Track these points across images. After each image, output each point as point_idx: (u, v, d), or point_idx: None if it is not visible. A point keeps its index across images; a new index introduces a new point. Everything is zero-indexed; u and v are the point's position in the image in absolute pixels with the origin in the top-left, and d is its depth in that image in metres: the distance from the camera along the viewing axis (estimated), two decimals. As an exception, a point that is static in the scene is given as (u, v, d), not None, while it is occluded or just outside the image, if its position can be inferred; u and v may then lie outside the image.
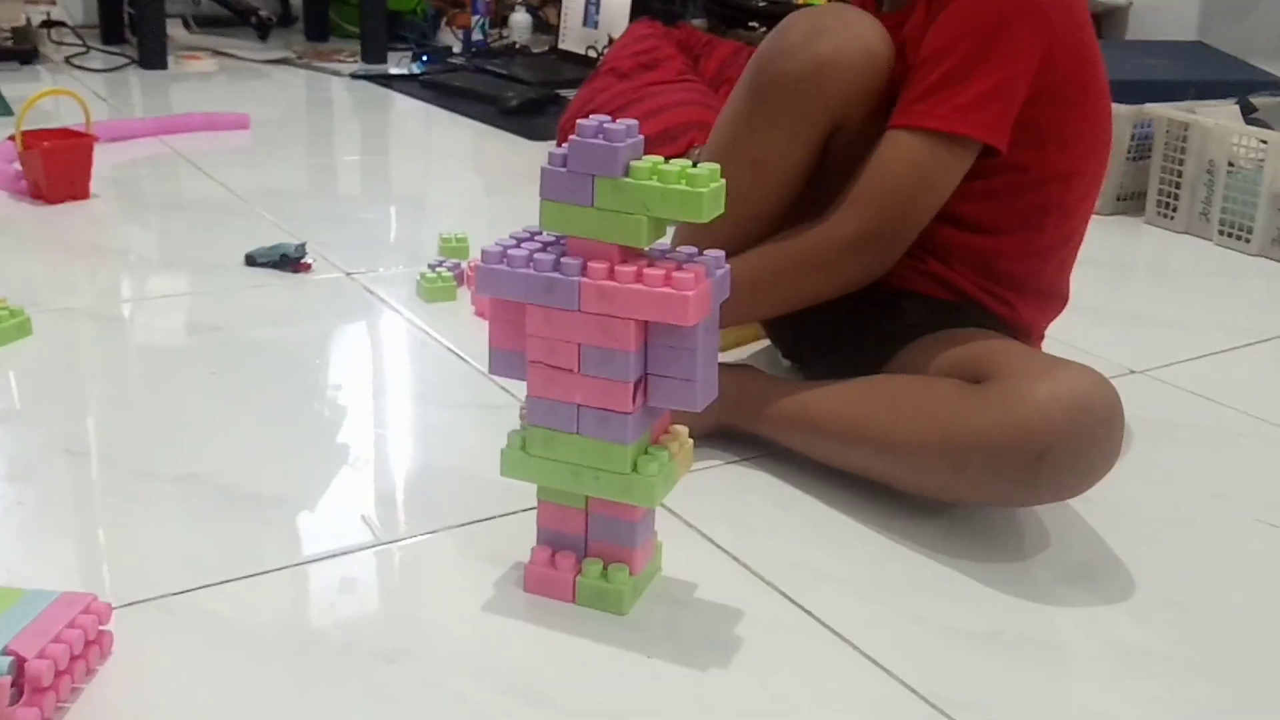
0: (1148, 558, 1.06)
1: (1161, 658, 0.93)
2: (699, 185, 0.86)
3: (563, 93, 2.87)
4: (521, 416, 0.96)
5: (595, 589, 0.94)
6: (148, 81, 3.10)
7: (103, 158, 2.01)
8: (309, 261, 1.68)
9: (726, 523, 1.08)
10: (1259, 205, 2.00)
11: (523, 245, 0.91)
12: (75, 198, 1.93)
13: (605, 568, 0.94)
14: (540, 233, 0.93)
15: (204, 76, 3.21)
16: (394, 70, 3.34)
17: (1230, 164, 2.05)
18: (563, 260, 0.88)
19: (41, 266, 1.70)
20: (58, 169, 1.91)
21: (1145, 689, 0.89)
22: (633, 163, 0.86)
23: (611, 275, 0.87)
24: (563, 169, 0.87)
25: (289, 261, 1.67)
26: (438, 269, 1.62)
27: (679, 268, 0.88)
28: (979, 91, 1.10)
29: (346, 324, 1.55)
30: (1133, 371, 1.48)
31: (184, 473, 1.12)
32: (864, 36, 1.13)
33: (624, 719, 0.84)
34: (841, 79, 1.12)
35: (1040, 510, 1.12)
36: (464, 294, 1.61)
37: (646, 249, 0.90)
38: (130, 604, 0.90)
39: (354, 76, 3.27)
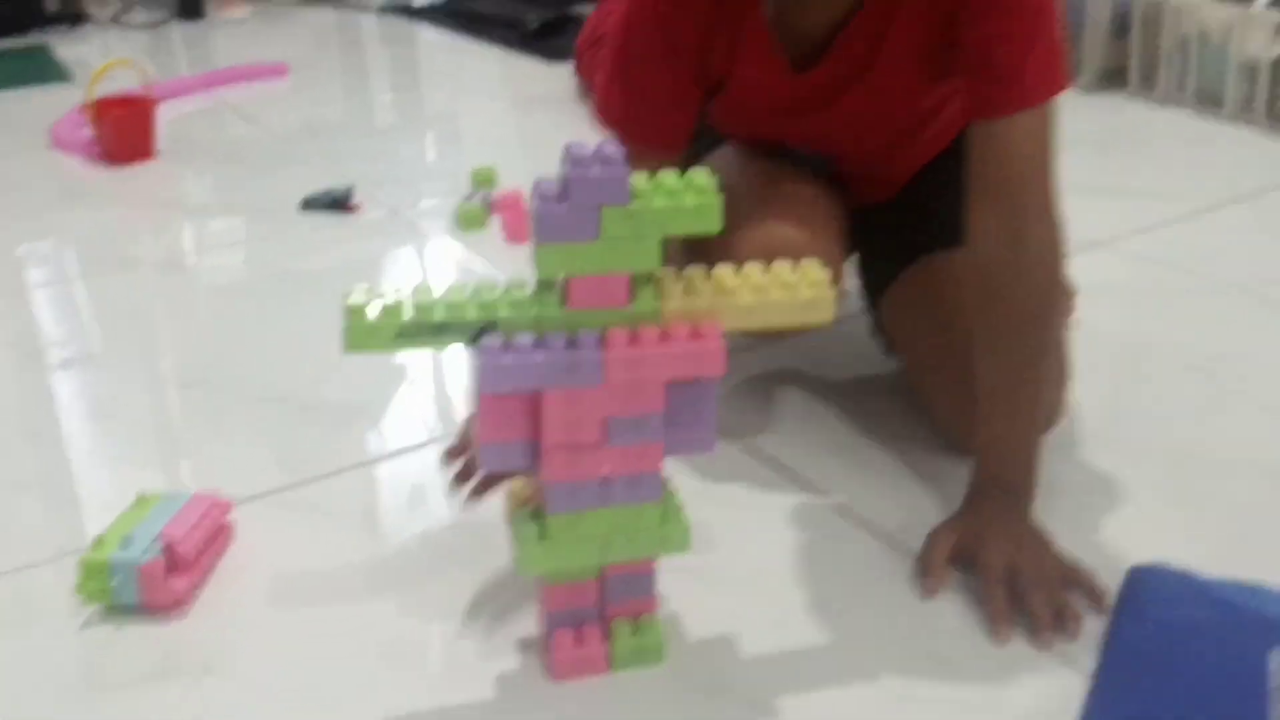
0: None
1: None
2: (705, 196, 0.81)
3: (582, 10, 3.02)
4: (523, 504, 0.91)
5: (633, 648, 0.91)
6: (189, 34, 3.28)
7: (159, 116, 2.21)
8: (357, 203, 1.88)
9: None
10: (1228, 75, 2.14)
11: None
12: (142, 158, 2.14)
13: (634, 623, 0.92)
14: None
15: (240, 22, 3.39)
16: (418, 2, 3.50)
17: (1202, 36, 2.18)
18: (579, 337, 0.82)
19: (117, 222, 1.92)
20: (124, 133, 2.11)
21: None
22: (636, 185, 0.81)
23: (635, 343, 0.82)
24: (561, 207, 0.79)
25: (340, 204, 1.87)
26: (470, 199, 1.81)
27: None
28: (1050, 46, 1.02)
29: (395, 256, 1.76)
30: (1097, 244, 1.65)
31: (267, 393, 1.34)
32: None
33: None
34: None
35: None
36: (495, 221, 1.80)
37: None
38: (244, 500, 1.13)
39: (381, 10, 3.44)
